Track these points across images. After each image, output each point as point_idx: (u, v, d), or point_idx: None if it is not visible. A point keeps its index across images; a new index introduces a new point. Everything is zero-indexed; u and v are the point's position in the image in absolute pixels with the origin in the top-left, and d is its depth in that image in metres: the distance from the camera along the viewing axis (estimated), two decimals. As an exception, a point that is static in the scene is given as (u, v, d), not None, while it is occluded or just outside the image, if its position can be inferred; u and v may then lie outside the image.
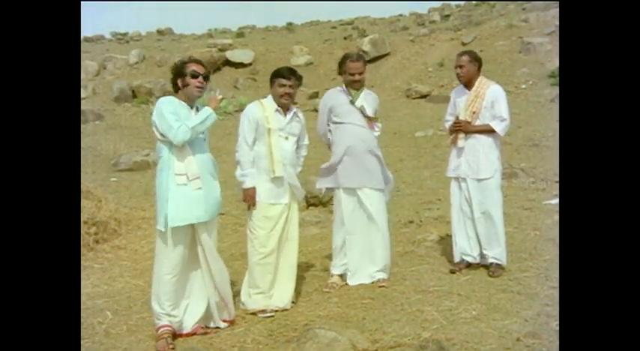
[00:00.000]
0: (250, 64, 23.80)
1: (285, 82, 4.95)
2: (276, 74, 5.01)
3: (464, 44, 21.26)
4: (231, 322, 4.71)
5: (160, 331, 4.36)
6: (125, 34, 34.54)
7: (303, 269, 5.77)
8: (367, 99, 5.49)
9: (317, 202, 8.39)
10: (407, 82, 20.33)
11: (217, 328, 4.63)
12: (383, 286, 5.29)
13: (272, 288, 5.01)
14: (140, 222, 7.92)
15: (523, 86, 17.95)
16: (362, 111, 5.40)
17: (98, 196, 7.64)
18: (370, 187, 5.40)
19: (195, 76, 4.42)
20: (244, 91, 21.61)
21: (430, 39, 23.87)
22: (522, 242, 6.34)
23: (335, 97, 5.53)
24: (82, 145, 11.97)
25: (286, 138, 5.00)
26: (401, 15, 35.79)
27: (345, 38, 27.12)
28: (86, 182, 8.26)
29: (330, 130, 5.54)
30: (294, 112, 5.10)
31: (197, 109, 4.50)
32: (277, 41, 27.72)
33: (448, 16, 30.56)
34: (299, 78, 5.05)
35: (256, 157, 4.93)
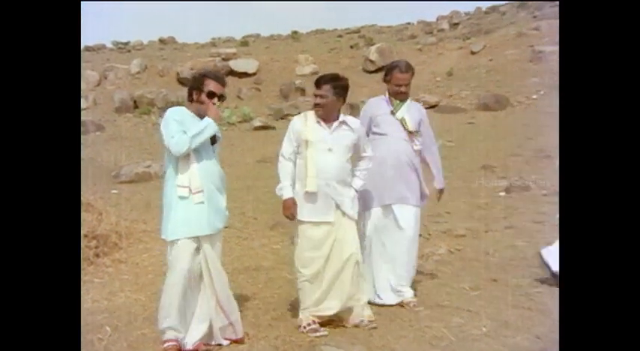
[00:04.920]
0: (254, 74, 23.77)
1: (316, 92, 4.70)
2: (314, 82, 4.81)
3: (473, 53, 21.19)
4: (238, 341, 4.50)
5: (165, 345, 4.21)
6: (127, 44, 34.54)
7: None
8: (410, 111, 5.23)
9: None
10: (415, 92, 20.19)
11: (220, 345, 4.46)
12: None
13: (320, 303, 4.68)
14: (141, 235, 7.81)
15: (534, 96, 17.79)
16: (402, 123, 5.16)
17: (99, 208, 7.57)
18: (407, 204, 5.14)
19: (211, 96, 4.32)
20: (248, 101, 21.60)
21: (438, 48, 23.86)
22: (534, 257, 6.18)
23: (376, 106, 5.30)
24: (83, 156, 11.89)
25: (329, 150, 4.64)
26: (408, 23, 35.85)
27: (351, 47, 27.09)
28: (86, 194, 8.15)
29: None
30: (342, 121, 4.71)
31: None
32: (282, 50, 27.75)
33: (457, 24, 30.55)
34: (337, 86, 4.66)
35: (298, 172, 4.69)
